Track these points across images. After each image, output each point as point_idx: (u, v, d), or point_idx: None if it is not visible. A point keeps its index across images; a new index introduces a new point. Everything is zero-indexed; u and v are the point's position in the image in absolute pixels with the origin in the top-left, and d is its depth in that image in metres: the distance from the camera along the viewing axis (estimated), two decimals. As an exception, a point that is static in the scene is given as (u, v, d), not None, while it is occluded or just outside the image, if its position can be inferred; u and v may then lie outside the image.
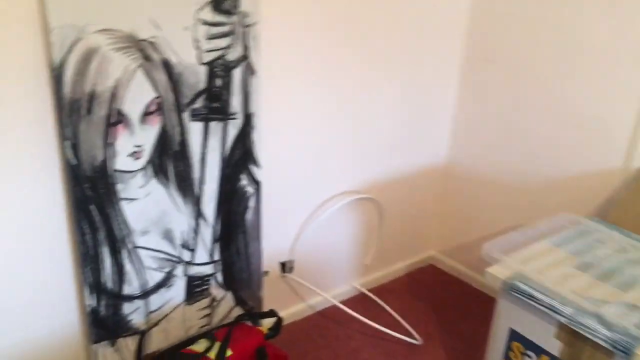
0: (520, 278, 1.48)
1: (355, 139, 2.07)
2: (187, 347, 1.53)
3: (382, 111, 2.11)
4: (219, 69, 1.56)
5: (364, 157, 2.14)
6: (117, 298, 1.56)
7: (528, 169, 2.15)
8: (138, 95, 1.43)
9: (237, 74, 1.60)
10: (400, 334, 2.14)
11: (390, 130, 2.18)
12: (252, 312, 1.84)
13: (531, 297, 1.43)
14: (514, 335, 1.53)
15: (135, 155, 1.48)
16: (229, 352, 1.47)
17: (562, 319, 1.36)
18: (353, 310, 2.28)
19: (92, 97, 1.36)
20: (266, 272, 2.02)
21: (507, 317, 1.54)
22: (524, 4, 2.03)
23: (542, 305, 1.40)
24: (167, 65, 1.46)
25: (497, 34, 2.15)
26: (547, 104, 2.03)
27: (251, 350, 1.52)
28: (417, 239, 2.59)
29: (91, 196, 1.43)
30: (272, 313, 1.69)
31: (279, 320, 1.68)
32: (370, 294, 2.38)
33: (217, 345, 1.49)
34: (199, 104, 1.56)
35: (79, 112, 1.35)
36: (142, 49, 1.40)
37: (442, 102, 2.33)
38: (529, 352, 1.49)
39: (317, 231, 2.12)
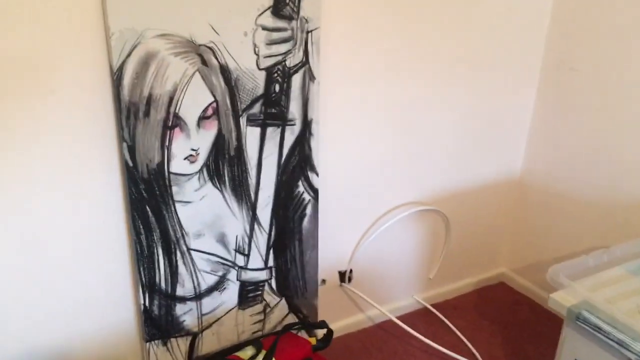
0: (588, 307, 1.36)
1: (420, 148, 2.00)
2: (233, 354, 1.52)
3: (451, 119, 2.02)
4: (277, 75, 1.55)
5: (430, 167, 2.06)
6: (170, 299, 1.58)
7: (613, 187, 1.99)
8: (195, 100, 1.45)
9: (296, 79, 1.58)
10: (463, 354, 2.04)
11: (459, 139, 2.09)
12: (301, 322, 1.82)
13: (598, 329, 1.31)
14: (579, 367, 1.41)
15: (191, 158, 1.49)
16: (273, 362, 1.46)
17: (633, 357, 1.23)
18: (414, 324, 2.20)
19: (149, 100, 1.38)
20: (323, 281, 1.99)
21: (572, 347, 1.42)
22: (611, 6, 1.88)
23: (610, 339, 1.28)
24: (224, 71, 1.46)
25: (581, 39, 2.00)
26: (631, 117, 1.87)
27: (297, 361, 1.50)
28: (486, 255, 2.47)
29: (147, 197, 1.46)
30: (322, 324, 1.66)
31: (330, 332, 1.64)
32: (434, 310, 2.29)
33: (262, 353, 1.48)
34: (256, 109, 1.55)
35: (136, 115, 1.38)
36: (200, 54, 1.41)
37: (519, 112, 2.21)
38: (595, 387, 1.37)
39: (378, 242, 2.06)
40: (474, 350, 2.06)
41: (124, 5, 1.28)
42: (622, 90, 1.89)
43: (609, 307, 1.34)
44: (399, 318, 2.23)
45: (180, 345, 1.64)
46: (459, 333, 2.16)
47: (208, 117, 1.48)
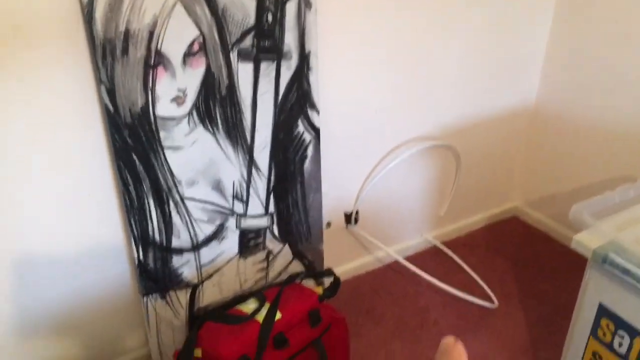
0: (615, 248, 1.26)
1: (429, 78, 1.85)
2: (235, 307, 1.44)
3: (462, 46, 1.86)
4: (269, 3, 1.39)
5: (440, 99, 1.91)
6: (166, 251, 1.49)
7: (635, 114, 1.85)
8: (178, 34, 1.30)
9: (290, 7, 1.42)
10: (475, 292, 1.96)
11: (471, 68, 1.93)
12: (307, 271, 1.73)
13: (627, 272, 1.21)
14: (604, 312, 1.32)
15: (178, 100, 1.36)
16: (278, 315, 1.37)
17: (665, 301, 1.14)
18: (425, 264, 2.12)
19: (127, 36, 1.23)
20: (328, 224, 1.89)
21: (597, 291, 1.33)
22: None
23: (640, 283, 1.18)
24: (210, -1, 1.30)
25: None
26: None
27: (303, 313, 1.41)
28: (499, 189, 2.35)
29: (132, 145, 1.33)
30: (328, 272, 1.57)
31: (337, 280, 1.56)
32: (444, 248, 2.21)
33: (266, 306, 1.39)
34: (248, 42, 1.40)
35: (113, 54, 1.23)
36: (180, -19, 1.25)
37: (534, 35, 2.03)
38: (621, 333, 1.28)
39: (385, 180, 1.94)
40: (487, 289, 1.99)
41: None
42: (650, 7, 1.72)
43: (639, 247, 1.23)
44: (408, 257, 2.15)
45: (180, 297, 1.56)
46: (470, 271, 2.08)
47: (194, 54, 1.33)
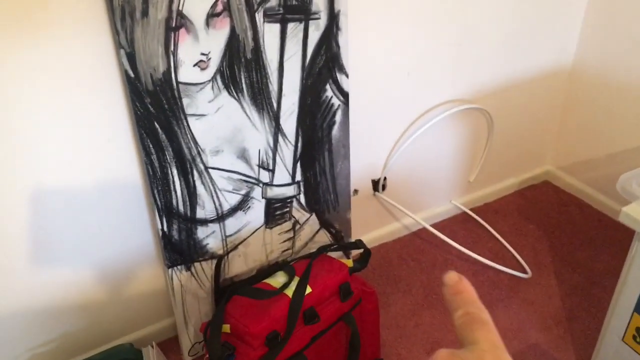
0: (668, 221, 1.18)
1: (462, 38, 1.74)
2: (263, 281, 1.39)
3: (498, 4, 1.74)
4: (296, -42, 1.29)
5: (473, 60, 1.81)
6: (190, 222, 1.44)
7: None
8: (201, -7, 1.21)
9: (319, -37, 1.32)
10: (507, 261, 1.90)
11: (506, 27, 1.82)
12: (336, 243, 1.67)
13: (682, 247, 1.13)
14: (652, 288, 1.25)
15: (201, 64, 1.28)
16: (308, 290, 1.32)
17: None
18: (454, 232, 2.06)
19: (146, -3, 1.15)
20: (355, 191, 1.82)
21: (645, 266, 1.26)
22: None
23: (697, 260, 1.11)
24: (233, -45, 1.21)
25: None
26: None
27: (333, 287, 1.36)
28: (531, 153, 2.26)
29: (154, 112, 1.26)
30: (359, 244, 1.51)
31: (367, 252, 1.50)
32: (474, 215, 2.14)
33: (295, 280, 1.34)
34: (274, 1, 1.31)
35: (132, 16, 1.15)
36: None
37: (574, -9, 1.91)
38: (671, 311, 1.21)
39: (414, 146, 1.87)
40: (519, 257, 1.93)
41: None
42: None
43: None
44: (437, 225, 2.09)
45: (205, 269, 1.52)
46: (501, 239, 2.02)
47: (218, 14, 1.25)
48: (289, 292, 1.32)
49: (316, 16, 1.38)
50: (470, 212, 2.15)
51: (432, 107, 1.82)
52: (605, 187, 2.11)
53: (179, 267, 1.47)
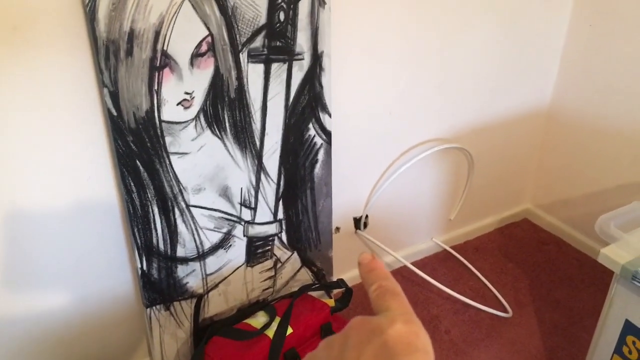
0: (646, 263, 1.19)
1: (443, 80, 1.77)
2: (244, 321, 1.38)
3: (477, 47, 1.79)
4: (282, 1, 1.31)
5: (453, 101, 1.84)
6: (170, 260, 1.42)
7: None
8: (186, 34, 1.22)
9: (303, 5, 1.35)
10: (488, 300, 1.90)
11: (485, 68, 1.86)
12: (318, 283, 1.66)
13: (660, 290, 1.15)
14: (631, 329, 1.26)
15: (185, 103, 1.28)
16: (289, 330, 1.31)
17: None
18: (435, 269, 2.06)
19: (131, 36, 1.16)
20: (337, 229, 1.82)
21: (624, 307, 1.27)
22: None
23: (675, 302, 1.12)
24: (219, -3, 1.22)
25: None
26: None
27: (315, 328, 1.35)
28: (511, 191, 2.29)
29: (136, 151, 1.26)
30: (340, 283, 1.50)
31: (349, 291, 1.49)
32: (454, 252, 2.14)
33: (276, 320, 1.33)
34: (258, 42, 1.33)
35: (117, 55, 1.16)
36: (188, -22, 1.17)
37: (550, 35, 1.96)
38: (650, 352, 1.22)
39: (396, 184, 1.88)
40: (500, 296, 1.93)
41: None
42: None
43: (671, 264, 1.17)
44: (418, 262, 2.09)
45: (185, 308, 1.50)
46: (482, 277, 2.02)
47: (202, 54, 1.26)
48: (270, 332, 1.30)
49: (300, 57, 1.40)
50: (451, 250, 2.15)
51: (414, 146, 1.84)
52: (583, 226, 2.14)
53: (157, 306, 1.45)
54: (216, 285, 1.53)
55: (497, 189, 2.23)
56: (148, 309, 1.44)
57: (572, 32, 1.96)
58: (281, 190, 1.53)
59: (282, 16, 1.32)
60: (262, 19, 1.31)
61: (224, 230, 1.48)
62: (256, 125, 1.41)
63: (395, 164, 1.83)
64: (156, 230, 1.37)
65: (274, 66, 1.37)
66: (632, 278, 1.19)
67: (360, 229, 1.88)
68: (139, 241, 1.35)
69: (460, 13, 1.68)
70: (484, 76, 1.86)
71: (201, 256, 1.47)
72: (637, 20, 1.74)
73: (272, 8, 1.31)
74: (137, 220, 1.33)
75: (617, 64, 1.84)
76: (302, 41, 1.38)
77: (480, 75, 1.85)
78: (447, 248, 2.16)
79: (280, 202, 1.55)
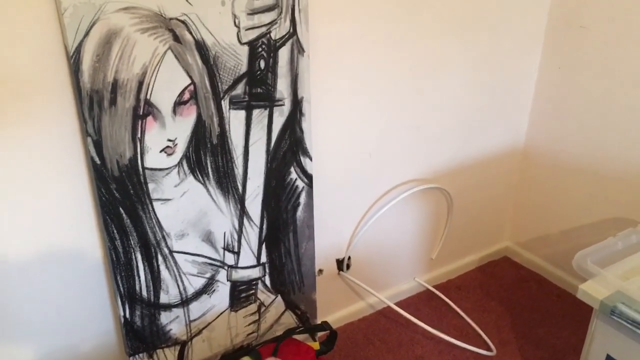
0: (623, 299, 1.22)
1: (421, 122, 1.82)
2: (229, 367, 1.37)
3: (452, 90, 1.84)
4: (262, 49, 1.35)
5: (431, 142, 1.89)
6: (154, 307, 1.41)
7: (625, 156, 1.84)
8: (169, 83, 1.25)
9: (283, 53, 1.39)
10: (472, 339, 1.91)
11: (460, 109, 1.91)
12: (302, 326, 1.66)
13: (636, 323, 1.17)
14: (613, 364, 1.28)
15: (167, 150, 1.30)
16: (274, 375, 1.30)
17: (680, 356, 1.10)
18: (418, 309, 2.06)
19: (115, 86, 1.18)
20: (320, 271, 1.83)
21: (605, 342, 1.29)
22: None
23: (653, 336, 1.14)
24: (201, 47, 1.26)
25: (589, -5, 1.82)
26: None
27: (300, 372, 1.35)
28: (490, 230, 2.32)
29: (119, 198, 1.27)
30: (325, 326, 1.50)
31: (333, 333, 1.49)
32: (437, 292, 2.15)
33: (261, 365, 1.32)
34: (239, 89, 1.36)
35: (101, 105, 1.18)
36: (171, 29, 1.21)
37: (522, 76, 2.03)
38: (632, 387, 1.23)
39: (377, 225, 1.90)
40: (483, 335, 1.94)
41: (76, -26, 1.07)
42: (635, 47, 1.72)
43: (648, 298, 1.20)
44: (401, 302, 2.10)
45: (168, 356, 1.48)
46: (465, 316, 2.03)
47: (185, 102, 1.29)
48: (255, 378, 1.29)
49: (280, 103, 1.43)
50: (434, 289, 2.16)
51: (394, 187, 1.87)
52: (562, 262, 2.17)
53: (140, 354, 1.43)
54: (200, 332, 1.52)
55: (477, 228, 2.26)
56: (131, 358, 1.42)
57: (543, 74, 2.04)
58: (264, 233, 1.54)
59: (262, 64, 1.36)
60: (243, 67, 1.34)
61: (208, 275, 1.48)
62: (238, 171, 1.43)
63: (377, 205, 1.86)
64: (139, 277, 1.36)
65: (255, 112, 1.40)
66: (610, 313, 1.22)
67: (343, 271, 1.89)
68: (121, 289, 1.34)
69: (436, 57, 1.74)
70: (460, 117, 1.92)
71: (185, 302, 1.46)
72: (602, 63, 1.82)
73: (253, 57, 1.35)
74: (120, 268, 1.33)
75: (586, 105, 1.91)
76: (283, 87, 1.42)
77: (456, 116, 1.91)
78: (430, 287, 2.17)
79: (264, 246, 1.55)
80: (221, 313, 1.54)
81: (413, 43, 1.67)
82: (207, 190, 1.39)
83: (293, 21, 1.37)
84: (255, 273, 1.57)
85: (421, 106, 1.79)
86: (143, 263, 1.35)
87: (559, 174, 2.08)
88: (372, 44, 1.58)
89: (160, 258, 1.38)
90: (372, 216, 1.86)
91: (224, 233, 1.47)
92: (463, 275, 2.29)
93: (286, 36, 1.37)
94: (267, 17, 1.32)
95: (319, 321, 1.75)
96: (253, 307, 1.61)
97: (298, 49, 1.41)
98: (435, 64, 1.75)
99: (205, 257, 1.45)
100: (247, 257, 1.53)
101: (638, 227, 1.46)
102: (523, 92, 2.07)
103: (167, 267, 1.40)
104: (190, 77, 1.27)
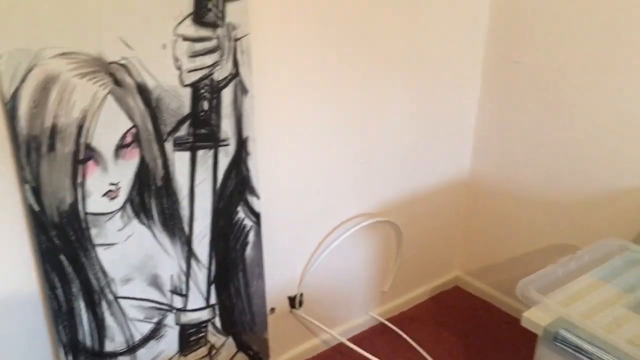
0: (565, 324, 1.25)
1: (366, 157, 1.85)
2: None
3: (396, 123, 1.89)
4: (205, 91, 1.36)
5: (377, 176, 1.92)
6: (98, 356, 1.37)
7: (563, 183, 1.92)
8: (110, 127, 1.24)
9: (226, 94, 1.40)
10: (425, 372, 1.92)
11: (405, 144, 1.96)
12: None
13: (579, 349, 1.20)
14: (559, 390, 1.30)
15: (110, 194, 1.28)
16: (225, 421, 1.27)
17: (619, 378, 1.13)
18: (373, 343, 2.06)
19: (54, 132, 1.16)
20: (272, 310, 1.81)
21: (550, 368, 1.31)
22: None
23: (593, 360, 1.18)
24: (143, 90, 1.26)
25: (522, 31, 1.91)
26: (583, 108, 1.79)
27: (252, 415, 1.32)
28: (440, 260, 2.36)
29: (60, 245, 1.24)
30: (276, 366, 1.49)
31: (285, 373, 1.48)
32: (391, 325, 2.16)
33: (211, 411, 1.29)
34: (183, 131, 1.36)
35: (39, 151, 1.16)
36: (111, 73, 1.21)
37: (463, 110, 2.10)
38: (578, 412, 1.26)
39: (328, 260, 1.90)
40: (437, 366, 1.95)
41: (12, 20, 1.06)
42: (564, 81, 1.81)
43: (587, 322, 1.24)
44: (356, 337, 2.09)
45: (115, 406, 1.43)
46: (419, 348, 2.04)
47: (127, 145, 1.28)
48: None
49: (225, 143, 1.44)
50: (387, 322, 2.17)
51: (343, 222, 1.89)
52: (510, 290, 2.22)
53: (85, 407, 1.38)
54: (148, 379, 1.48)
55: (427, 258, 2.29)
56: (75, 411, 1.36)
57: (483, 107, 2.11)
58: (213, 274, 1.52)
59: (206, 105, 1.37)
60: (186, 109, 1.34)
61: (155, 320, 1.44)
62: (184, 212, 1.42)
63: (327, 241, 1.87)
64: (82, 326, 1.32)
65: (200, 153, 1.40)
66: (553, 339, 1.25)
67: (295, 308, 1.87)
68: (64, 339, 1.30)
69: (380, 94, 1.78)
70: (404, 151, 1.96)
71: (131, 349, 1.42)
72: (536, 96, 1.90)
73: (196, 98, 1.35)
74: (61, 317, 1.28)
75: (525, 135, 1.98)
76: (227, 128, 1.42)
77: (401, 149, 1.95)
78: (383, 321, 2.18)
79: (213, 287, 1.54)
80: (170, 358, 1.51)
81: (357, 81, 1.71)
82: (153, 233, 1.38)
83: (235, 62, 1.38)
84: (204, 315, 1.54)
85: (366, 141, 1.83)
86: (86, 311, 1.32)
87: (504, 203, 2.14)
88: (318, 82, 1.61)
89: (104, 305, 1.34)
90: (322, 252, 1.86)
91: (171, 276, 1.44)
92: (416, 307, 2.31)
93: (229, 77, 1.39)
94: (208, 59, 1.34)
95: (272, 361, 1.73)
96: (203, 351, 1.58)
97: (242, 89, 1.42)
98: (379, 100, 1.80)
99: (152, 301, 1.42)
100: (195, 299, 1.51)
101: (577, 253, 1.51)
102: (465, 124, 2.13)
103: (112, 314, 1.36)
104: (132, 120, 1.26)
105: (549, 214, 1.98)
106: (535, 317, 1.30)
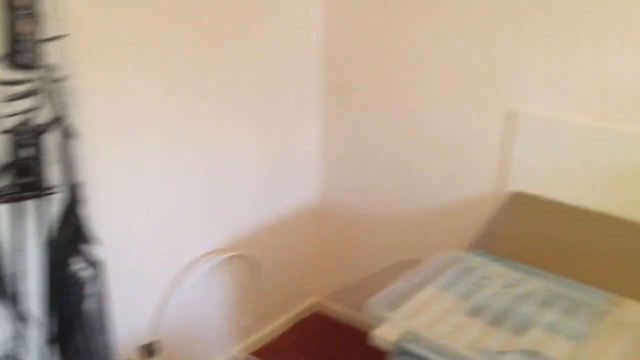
0: (410, 338, 1.31)
1: (214, 192, 1.83)
2: None
3: (239, 156, 1.89)
4: (24, 137, 1.26)
5: (227, 210, 1.90)
6: None
7: (401, 203, 2.04)
8: None
9: (50, 139, 1.31)
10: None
11: (254, 176, 1.96)
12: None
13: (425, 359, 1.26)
14: (413, 404, 1.35)
15: None
16: None
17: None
18: (236, 382, 2.02)
19: None
20: (126, 362, 1.71)
21: (402, 383, 1.36)
22: (377, 28, 1.91)
23: (440, 368, 1.24)
24: (-51, 141, 1.14)
25: (355, 59, 2.01)
26: (410, 132, 1.93)
27: None
28: (297, 288, 2.38)
29: None
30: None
31: None
32: (256, 358, 2.13)
33: None
34: (3, 182, 1.25)
35: None
36: None
37: (306, 139, 2.16)
38: (430, 421, 1.32)
39: (185, 301, 1.84)
40: (303, 395, 1.95)
41: None
42: (393, 107, 1.95)
43: (430, 332, 1.31)
44: (219, 378, 2.04)
45: None
46: (285, 379, 2.03)
47: None
48: None
49: (54, 190, 1.34)
50: (253, 357, 2.14)
51: (194, 261, 1.84)
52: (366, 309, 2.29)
53: None
54: None
55: (286, 287, 2.30)
56: None
57: (326, 137, 2.19)
58: (50, 334, 1.40)
59: (25, 152, 1.27)
60: (6, 157, 1.24)
61: (-16, 393, 1.30)
62: (9, 271, 1.30)
63: (178, 282, 1.81)
64: None
65: (28, 203, 1.30)
66: (401, 354, 1.30)
67: (151, 357, 1.78)
68: None
69: (220, 130, 1.78)
70: (253, 182, 1.96)
71: None
72: (372, 121, 2.01)
73: (16, 145, 1.25)
74: None
75: (366, 160, 2.09)
76: (55, 175, 1.33)
77: (249, 181, 1.95)
78: (248, 355, 2.14)
79: (52, 347, 1.41)
80: None
81: (194, 118, 1.69)
82: (-26, 297, 1.24)
83: (59, 105, 1.30)
84: (45, 379, 1.42)
85: (213, 175, 1.81)
86: None
87: (353, 226, 2.22)
88: (154, 121, 1.57)
89: None
90: (176, 294, 1.80)
91: (4, 341, 1.31)
92: (279, 337, 2.30)
93: (51, 121, 1.30)
94: (25, 104, 1.25)
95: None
96: (47, 419, 1.44)
97: (69, 133, 1.34)
98: (219, 135, 1.79)
99: (-21, 373, 1.28)
100: (33, 363, 1.38)
101: (416, 267, 1.60)
102: (310, 155, 2.19)
103: None
104: (-61, 174, 1.14)
105: (393, 233, 2.09)
106: (384, 334, 1.34)
